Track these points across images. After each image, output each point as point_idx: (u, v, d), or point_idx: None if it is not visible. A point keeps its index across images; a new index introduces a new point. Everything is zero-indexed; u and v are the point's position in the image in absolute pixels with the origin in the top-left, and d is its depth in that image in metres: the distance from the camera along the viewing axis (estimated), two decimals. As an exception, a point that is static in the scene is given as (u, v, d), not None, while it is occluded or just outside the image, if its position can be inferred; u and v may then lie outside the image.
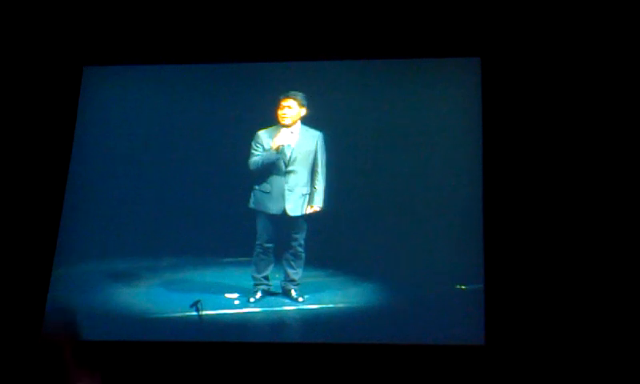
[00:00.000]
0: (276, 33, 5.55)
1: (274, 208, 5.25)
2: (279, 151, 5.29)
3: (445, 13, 5.39)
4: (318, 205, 5.24)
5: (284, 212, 5.24)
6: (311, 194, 5.25)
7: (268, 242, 5.23)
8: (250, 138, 5.36)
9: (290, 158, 5.29)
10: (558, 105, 5.15)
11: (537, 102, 5.17)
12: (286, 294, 5.16)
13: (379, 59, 5.45)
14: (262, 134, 5.34)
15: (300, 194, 5.26)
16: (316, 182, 5.27)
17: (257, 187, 5.29)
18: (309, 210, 5.24)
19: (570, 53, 5.22)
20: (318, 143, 5.30)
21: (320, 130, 5.32)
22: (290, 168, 5.28)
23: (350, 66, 5.48)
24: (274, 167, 5.29)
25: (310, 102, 5.37)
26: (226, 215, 5.30)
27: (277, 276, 5.19)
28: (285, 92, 5.38)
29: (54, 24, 5.69)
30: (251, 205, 5.27)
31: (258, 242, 5.23)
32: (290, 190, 5.26)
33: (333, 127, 5.35)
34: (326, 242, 5.20)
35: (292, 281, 5.17)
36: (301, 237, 5.22)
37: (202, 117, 5.51)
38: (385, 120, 5.35)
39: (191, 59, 5.61)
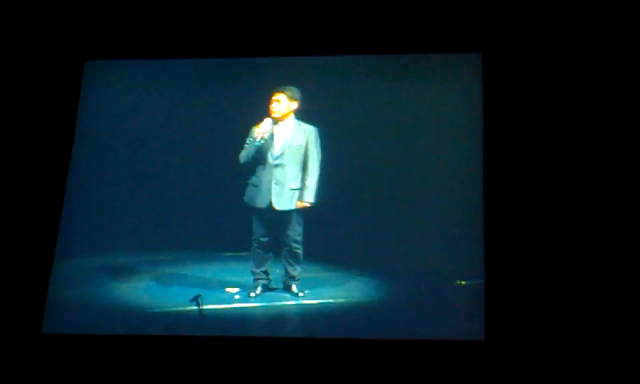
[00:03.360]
0: (279, 27, 5.55)
1: (261, 202, 5.26)
2: (260, 141, 5.27)
3: (445, 8, 5.39)
4: (307, 200, 5.23)
5: (270, 206, 5.24)
6: (301, 190, 5.25)
7: (263, 237, 5.24)
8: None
9: (278, 151, 5.29)
10: (560, 101, 5.14)
11: (538, 97, 5.17)
12: (287, 289, 5.17)
13: (379, 55, 5.44)
14: (254, 129, 5.34)
15: (288, 189, 5.26)
16: (306, 179, 5.26)
17: (249, 181, 5.29)
18: (298, 205, 5.23)
19: (571, 49, 5.22)
20: (310, 138, 5.29)
21: (320, 126, 5.32)
22: (277, 162, 5.28)
23: (349, 61, 5.47)
24: (262, 161, 5.29)
25: (310, 98, 5.37)
26: (227, 210, 5.31)
27: (277, 270, 5.20)
28: (281, 87, 5.38)
29: (56, 18, 5.69)
30: (245, 199, 5.27)
31: (253, 237, 5.24)
32: (276, 184, 5.26)
33: (333, 122, 5.35)
34: (326, 236, 5.20)
35: (292, 277, 5.18)
36: (294, 233, 5.21)
37: (204, 112, 5.51)
38: (385, 115, 5.35)
39: (192, 54, 5.61)
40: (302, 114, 5.37)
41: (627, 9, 5.22)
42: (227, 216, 5.29)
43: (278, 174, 5.28)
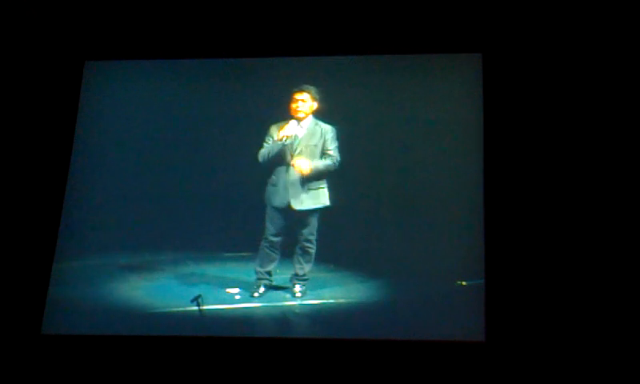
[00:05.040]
0: (276, 29, 5.56)
1: (278, 201, 5.26)
2: (284, 142, 5.29)
3: (446, 8, 5.39)
4: (306, 167, 5.25)
5: (288, 205, 5.25)
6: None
7: (275, 236, 5.24)
8: (252, 133, 5.37)
9: (296, 150, 5.29)
10: (559, 101, 5.15)
11: (538, 98, 5.17)
12: (289, 288, 5.17)
13: (380, 55, 5.44)
14: (273, 128, 5.34)
15: (306, 189, 5.27)
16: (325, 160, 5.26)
17: (268, 181, 5.30)
18: (296, 167, 5.23)
19: (571, 49, 5.22)
20: (327, 137, 5.30)
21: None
22: (294, 161, 5.29)
23: (351, 61, 5.47)
24: (281, 160, 5.30)
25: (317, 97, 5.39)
26: (227, 210, 5.31)
27: (278, 271, 5.20)
28: (298, 86, 5.38)
29: (56, 18, 5.69)
30: (264, 198, 5.28)
31: (264, 236, 5.24)
32: (294, 184, 5.27)
33: (334, 123, 5.35)
34: (326, 237, 5.20)
35: (296, 275, 5.18)
36: (307, 232, 5.21)
37: (204, 112, 5.52)
38: (385, 116, 5.35)
39: (194, 54, 5.62)
40: (314, 113, 5.38)
41: (627, 9, 5.22)
42: (228, 216, 5.29)
43: (293, 173, 5.28)
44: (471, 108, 5.26)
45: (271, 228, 5.25)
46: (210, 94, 5.56)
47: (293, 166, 5.27)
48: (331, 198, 5.26)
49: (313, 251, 5.19)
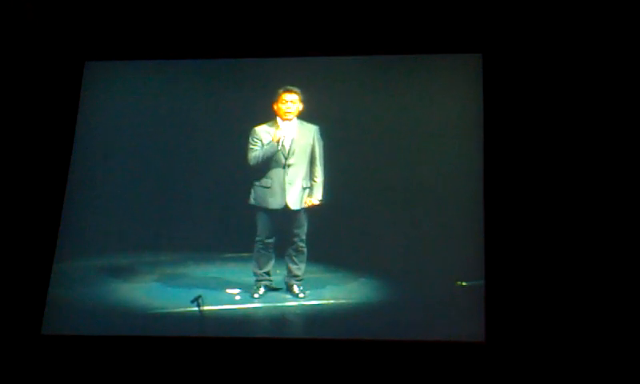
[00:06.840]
0: (280, 28, 5.56)
1: (275, 203, 5.26)
2: (280, 144, 5.29)
3: (446, 8, 5.39)
4: (317, 198, 5.25)
5: (285, 206, 5.25)
6: (311, 187, 5.27)
7: (268, 238, 5.24)
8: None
9: (290, 151, 5.30)
10: (559, 101, 5.15)
11: (538, 98, 5.17)
12: (289, 289, 5.17)
13: (380, 55, 5.45)
14: (260, 130, 5.34)
15: (300, 188, 5.27)
16: (316, 176, 5.28)
17: (256, 183, 5.29)
18: (308, 203, 5.25)
19: (571, 50, 5.22)
20: (315, 136, 5.31)
21: (321, 127, 5.33)
22: (289, 161, 5.29)
23: (351, 62, 5.48)
24: (274, 161, 5.30)
25: (312, 98, 5.37)
26: (227, 210, 5.31)
27: (277, 271, 5.20)
28: (283, 86, 5.38)
29: (56, 18, 5.69)
30: (251, 201, 5.28)
31: (258, 239, 5.24)
32: (290, 184, 5.27)
33: (335, 123, 5.36)
34: (327, 237, 5.21)
35: (295, 276, 5.18)
36: (302, 231, 5.23)
37: (203, 112, 5.52)
38: (386, 116, 5.35)
39: (192, 55, 5.62)
40: (303, 115, 5.38)
41: (627, 9, 5.22)
42: (228, 217, 5.29)
43: (290, 174, 5.28)
44: (471, 108, 5.26)
45: (265, 230, 5.25)
46: (211, 94, 5.56)
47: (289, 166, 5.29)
48: (332, 198, 5.26)
49: (305, 250, 5.19)
